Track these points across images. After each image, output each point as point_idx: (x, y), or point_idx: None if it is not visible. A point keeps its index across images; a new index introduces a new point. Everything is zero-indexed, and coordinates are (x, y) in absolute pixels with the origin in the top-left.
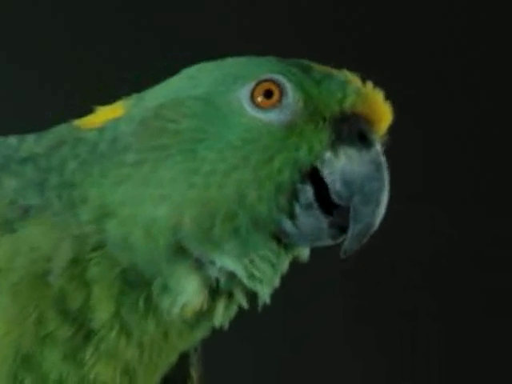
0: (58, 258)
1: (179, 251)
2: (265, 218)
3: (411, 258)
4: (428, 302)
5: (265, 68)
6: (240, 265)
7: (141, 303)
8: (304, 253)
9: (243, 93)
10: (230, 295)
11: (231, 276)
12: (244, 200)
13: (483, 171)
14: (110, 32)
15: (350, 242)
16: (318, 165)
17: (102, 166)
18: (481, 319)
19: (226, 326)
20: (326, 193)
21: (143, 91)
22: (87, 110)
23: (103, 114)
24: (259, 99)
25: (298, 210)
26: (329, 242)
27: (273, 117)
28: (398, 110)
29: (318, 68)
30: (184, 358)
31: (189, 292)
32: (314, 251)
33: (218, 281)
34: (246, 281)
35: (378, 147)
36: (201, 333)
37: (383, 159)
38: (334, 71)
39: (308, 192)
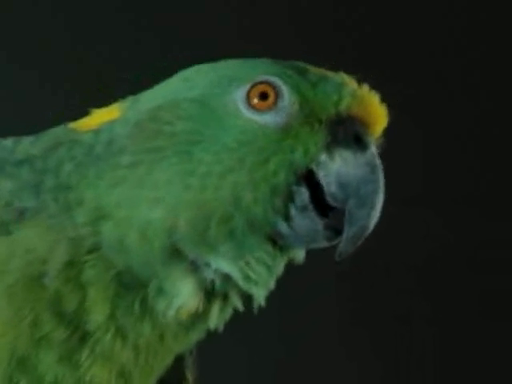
0: (54, 261)
1: (174, 253)
2: (260, 219)
3: (406, 260)
4: (423, 305)
5: (260, 70)
6: (235, 267)
7: (136, 305)
8: (299, 255)
9: (239, 95)
10: (226, 297)
11: (226, 278)
12: (239, 202)
13: (478, 174)
14: (110, 32)
15: (344, 244)
16: (314, 167)
17: (97, 168)
18: (475, 322)
19: (221, 328)
20: (322, 195)
21: (139, 93)
22: (87, 111)
23: (99, 117)
24: (255, 101)
25: (293, 212)
26: (324, 244)
27: (268, 119)
28: (394, 112)
29: (314, 70)
30: (179, 360)
31: (184, 294)
32: (309, 253)
33: (213, 283)
34: (241, 283)
35: (374, 150)
36: (196, 335)
37: (378, 162)
38: (330, 73)
39: (303, 194)
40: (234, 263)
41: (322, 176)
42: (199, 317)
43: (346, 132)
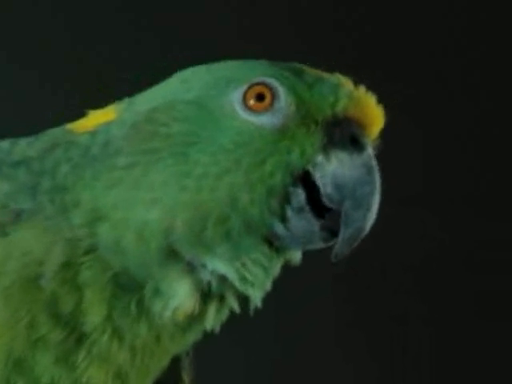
0: (50, 262)
1: (171, 255)
2: (257, 221)
3: (402, 261)
4: (419, 306)
5: (257, 71)
6: (232, 268)
7: (133, 307)
8: (296, 256)
9: (235, 96)
10: (222, 299)
11: (223, 279)
12: (236, 203)
13: (474, 175)
14: (110, 32)
15: (340, 245)
16: (310, 168)
17: (94, 170)
18: (472, 323)
19: (218, 329)
20: (318, 196)
21: (135, 95)
22: (87, 111)
23: (95, 118)
24: (251, 102)
25: (289, 213)
26: (320, 245)
27: (265, 120)
28: (391, 112)
29: (310, 71)
30: (176, 361)
31: (180, 295)
32: (305, 255)
33: (209, 284)
34: (237, 284)
35: (370, 151)
36: (193, 336)
37: (375, 163)
38: (326, 75)
39: (300, 195)
40: (231, 264)
41: (318, 177)
42: (196, 318)
43: (343, 133)
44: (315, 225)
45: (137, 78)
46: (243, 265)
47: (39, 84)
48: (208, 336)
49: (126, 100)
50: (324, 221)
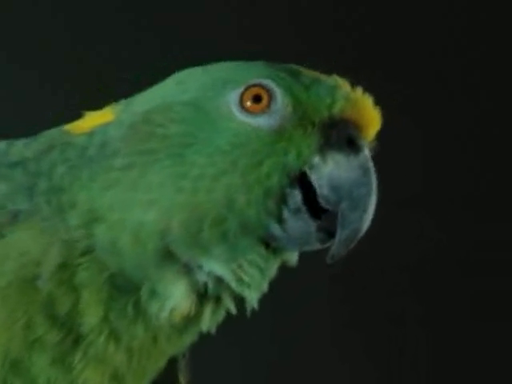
0: (47, 263)
1: (167, 256)
2: (253, 222)
3: (398, 262)
4: (415, 307)
5: (254, 73)
6: (228, 269)
7: (130, 308)
8: (292, 257)
9: (232, 97)
10: (218, 300)
11: (219, 281)
12: (233, 204)
13: (470, 176)
14: (110, 32)
15: (337, 247)
16: (307, 170)
17: (90, 171)
18: (468, 324)
19: (214, 330)
20: (315, 197)
21: (133, 96)
22: (87, 111)
23: (92, 119)
24: (248, 104)
25: (286, 214)
26: (317, 246)
27: (262, 121)
28: (389, 113)
29: (307, 73)
30: (172, 363)
31: (177, 297)
32: (302, 256)
33: (206, 285)
34: (234, 285)
35: (367, 152)
36: (189, 337)
37: (371, 165)
38: (323, 76)
39: (296, 196)
40: (227, 266)
41: (314, 178)
42: (192, 319)
43: (339, 135)
44: (312, 226)
45: (137, 78)
46: (240, 266)
47: (39, 84)
48: (204, 337)
49: (123, 101)
50: (320, 222)
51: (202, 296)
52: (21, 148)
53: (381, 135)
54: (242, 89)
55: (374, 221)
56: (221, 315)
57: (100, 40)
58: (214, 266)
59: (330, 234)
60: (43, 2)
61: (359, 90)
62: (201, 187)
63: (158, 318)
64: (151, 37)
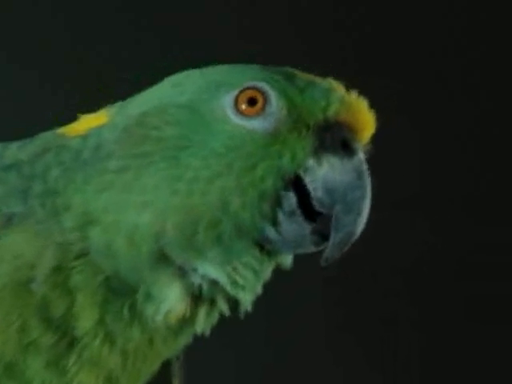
0: (42, 266)
1: (162, 259)
2: (248, 225)
3: (393, 265)
4: (410, 310)
5: (248, 75)
6: (223, 272)
7: (125, 310)
8: (287, 260)
9: (227, 100)
10: (212, 302)
11: (214, 283)
12: (227, 207)
13: (465, 179)
14: (110, 32)
15: (331, 250)
16: (301, 172)
17: (85, 173)
18: (462, 327)
19: (208, 333)
20: (309, 200)
21: (128, 98)
22: (87, 110)
23: (87, 122)
24: (243, 107)
25: (281, 217)
26: (311, 248)
27: (256, 124)
28: (382, 115)
29: (302, 76)
30: (166, 366)
31: (171, 299)
32: (296, 259)
33: (200, 288)
34: (228, 288)
35: (361, 156)
36: (185, 339)
37: (366, 168)
38: (318, 79)
39: (291, 199)
40: (222, 268)
41: (309, 181)
42: (187, 321)
43: (334, 138)
44: (306, 228)
45: (137, 78)
46: (234, 269)
47: (39, 84)
48: (199, 340)
49: (118, 104)
50: (315, 225)
51: (196, 298)
52: (15, 151)
53: (375, 138)
54: (236, 91)
55: (368, 224)
56: (215, 317)
57: (100, 40)
58: (209, 269)
59: (324, 236)
60: (43, 2)
61: (354, 93)
62: (195, 190)
63: (154, 320)
64: (151, 37)
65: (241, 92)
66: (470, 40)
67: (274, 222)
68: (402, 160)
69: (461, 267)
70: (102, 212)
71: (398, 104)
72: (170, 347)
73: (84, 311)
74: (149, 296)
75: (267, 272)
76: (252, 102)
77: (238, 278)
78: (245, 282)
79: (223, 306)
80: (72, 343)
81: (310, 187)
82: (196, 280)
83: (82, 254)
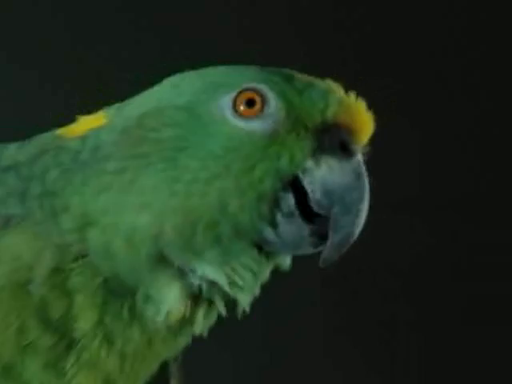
0: (40, 267)
1: (161, 260)
2: (246, 226)
3: (391, 267)
4: (408, 311)
5: (247, 77)
6: (221, 273)
7: (125, 311)
8: (285, 262)
9: (225, 101)
10: (211, 302)
11: (212, 283)
12: (226, 208)
13: (463, 180)
14: (110, 32)
15: (329, 251)
16: (300, 174)
17: (83, 175)
18: (461, 329)
19: (206, 334)
20: (307, 201)
21: (128, 99)
22: (87, 110)
23: (85, 123)
24: (241, 108)
25: (279, 218)
26: (310, 250)
27: (255, 126)
28: (381, 116)
29: (301, 77)
30: (164, 367)
31: (171, 300)
32: (294, 260)
33: (200, 287)
34: (226, 288)
35: (359, 157)
36: (184, 339)
37: (364, 169)
38: (317, 80)
39: (289, 200)
40: (221, 269)
41: (307, 183)
42: (186, 321)
43: (332, 139)
44: (305, 230)
45: (137, 78)
46: (232, 269)
47: (39, 84)
48: (197, 342)
49: (116, 105)
50: (313, 226)
51: (196, 297)
52: (13, 152)
53: (374, 139)
54: (235, 93)
55: (366, 225)
56: (213, 318)
57: (100, 40)
58: (207, 270)
59: (322, 238)
60: (43, 2)
61: (352, 95)
62: (194, 191)
63: (154, 321)
64: (151, 37)
65: (239, 93)
66: (470, 40)
67: (273, 224)
68: (400, 161)
69: (459, 269)
70: (101, 213)
71: (396, 105)
72: (169, 348)
73: (83, 312)
74: (148, 297)
75: (265, 273)
76: (250, 103)
77: (236, 279)
78: (243, 283)
79: (221, 307)
80: (70, 345)
81: (308, 189)
82: (195, 280)
83: (81, 256)
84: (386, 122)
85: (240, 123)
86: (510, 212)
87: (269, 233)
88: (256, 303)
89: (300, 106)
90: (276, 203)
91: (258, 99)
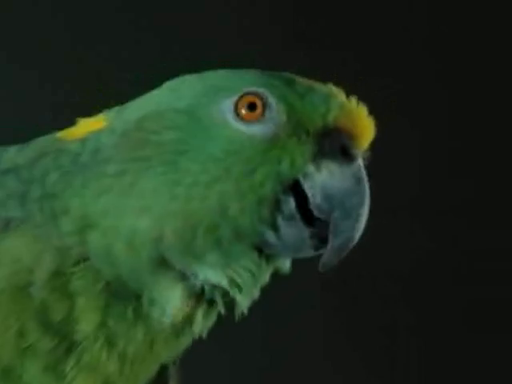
0: (40, 270)
1: (162, 263)
2: (247, 229)
3: (391, 271)
4: (408, 316)
5: (248, 81)
6: (222, 276)
7: (129, 313)
8: (285, 265)
9: (226, 105)
10: (210, 302)
11: (214, 285)
12: (226, 212)
13: (463, 186)
14: (110, 32)
15: (328, 255)
16: (300, 178)
17: (83, 177)
18: (461, 333)
19: (205, 336)
20: (307, 205)
21: (131, 98)
22: (87, 111)
23: (85, 126)
24: (243, 112)
25: (280, 221)
26: (310, 253)
27: (256, 129)
28: (381, 120)
29: (302, 81)
30: (163, 370)
31: (175, 301)
32: (294, 264)
33: (202, 287)
34: (229, 290)
35: (360, 162)
36: (185, 341)
37: (364, 174)
38: (318, 85)
39: (290, 203)
40: (222, 271)
41: (307, 187)
42: (187, 321)
43: (333, 144)
44: (305, 232)
45: (137, 79)
46: (233, 271)
47: (39, 84)
48: (196, 345)
49: (116, 108)
50: (314, 229)
51: (199, 296)
52: (13, 155)
53: (374, 144)
54: (236, 97)
55: (366, 230)
56: (212, 319)
57: (100, 40)
58: (210, 274)
59: (323, 240)
60: (43, 2)
61: (354, 100)
62: (194, 194)
63: (161, 322)
64: (151, 37)
65: (241, 97)
66: (470, 41)
67: (273, 227)
68: (400, 166)
69: (459, 273)
70: (101, 216)
71: (396, 109)
72: (169, 349)
73: (85, 315)
74: (153, 300)
75: (265, 276)
76: (252, 107)
77: (237, 280)
78: (242, 285)
79: (220, 307)
80: (70, 347)
81: (308, 193)
82: (197, 282)
83: (82, 259)
84: (386, 126)
85: (241, 127)
86: (510, 217)
87: (270, 235)
88: (256, 306)
89: (301, 110)
90: (277, 206)
91: (259, 103)
